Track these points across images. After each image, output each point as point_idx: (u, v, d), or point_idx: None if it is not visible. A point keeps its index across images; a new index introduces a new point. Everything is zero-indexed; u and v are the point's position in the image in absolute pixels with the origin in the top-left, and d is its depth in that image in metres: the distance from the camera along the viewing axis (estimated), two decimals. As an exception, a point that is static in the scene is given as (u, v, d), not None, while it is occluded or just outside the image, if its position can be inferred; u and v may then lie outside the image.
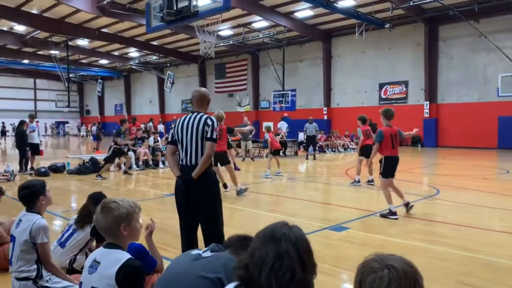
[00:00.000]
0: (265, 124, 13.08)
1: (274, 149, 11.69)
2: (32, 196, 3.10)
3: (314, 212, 6.97)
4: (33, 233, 2.96)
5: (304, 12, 23.10)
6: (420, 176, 11.88)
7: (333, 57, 27.35)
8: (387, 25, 22.45)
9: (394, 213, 6.12)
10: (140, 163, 13.23)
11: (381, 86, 25.09)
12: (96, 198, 3.62)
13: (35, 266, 2.99)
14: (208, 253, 2.02)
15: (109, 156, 11.51)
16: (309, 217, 6.30)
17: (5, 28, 28.14)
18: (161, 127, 24.14)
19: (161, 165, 13.62)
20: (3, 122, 39.30)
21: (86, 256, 3.44)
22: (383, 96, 25.01)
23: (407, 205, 6.38)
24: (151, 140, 14.53)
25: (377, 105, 24.42)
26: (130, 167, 12.51)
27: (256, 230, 1.53)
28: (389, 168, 6.35)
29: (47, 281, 2.99)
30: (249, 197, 8.55)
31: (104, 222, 2.11)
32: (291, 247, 1.37)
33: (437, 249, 4.64)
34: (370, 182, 9.43)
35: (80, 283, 2.11)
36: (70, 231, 3.59)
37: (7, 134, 37.50)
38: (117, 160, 12.68)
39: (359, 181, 9.44)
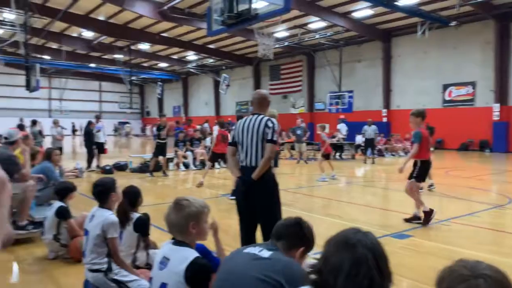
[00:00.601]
0: (319, 124, 12.70)
1: (325, 152, 11.42)
2: (104, 193, 3.28)
3: (373, 217, 6.75)
4: (104, 228, 3.13)
5: (363, 11, 22.47)
6: (489, 184, 11.10)
7: (393, 57, 26.36)
8: (453, 23, 21.23)
9: (430, 212, 5.90)
10: (197, 162, 13.67)
11: (445, 87, 23.75)
12: (129, 193, 3.61)
13: (106, 259, 3.16)
14: (265, 253, 1.98)
15: (154, 152, 11.87)
16: (368, 223, 6.07)
17: (75, 34, 30.23)
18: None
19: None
20: (73, 122, 42.32)
21: (147, 252, 3.56)
22: (447, 98, 23.65)
23: (430, 213, 5.96)
24: (207, 141, 14.92)
25: (440, 107, 23.20)
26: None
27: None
28: (424, 172, 6.20)
29: (116, 274, 3.14)
30: (304, 200, 8.48)
31: (174, 218, 2.18)
32: (368, 253, 1.32)
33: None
34: (431, 186, 9.01)
35: (150, 278, 2.18)
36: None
37: (76, 133, 40.33)
38: (176, 159, 13.10)
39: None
